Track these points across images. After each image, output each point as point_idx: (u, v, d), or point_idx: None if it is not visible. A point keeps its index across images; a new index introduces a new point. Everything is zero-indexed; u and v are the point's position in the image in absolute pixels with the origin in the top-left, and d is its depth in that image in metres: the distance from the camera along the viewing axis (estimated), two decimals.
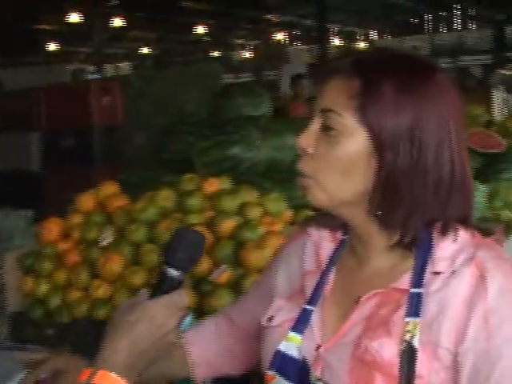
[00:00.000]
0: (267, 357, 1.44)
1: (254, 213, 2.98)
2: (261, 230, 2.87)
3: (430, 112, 1.24)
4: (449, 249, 1.27)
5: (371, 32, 36.48)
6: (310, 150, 1.30)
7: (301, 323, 1.40)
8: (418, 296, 1.25)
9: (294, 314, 1.43)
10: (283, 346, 1.40)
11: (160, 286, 1.33)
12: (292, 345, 1.39)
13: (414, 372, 1.20)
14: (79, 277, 2.94)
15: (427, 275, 1.27)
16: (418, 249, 1.29)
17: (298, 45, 36.70)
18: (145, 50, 32.63)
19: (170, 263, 1.33)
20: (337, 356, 1.31)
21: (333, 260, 1.44)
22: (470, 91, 8.78)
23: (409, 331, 1.22)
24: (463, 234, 1.29)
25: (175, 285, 1.33)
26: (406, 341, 1.22)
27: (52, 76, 14.20)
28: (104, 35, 24.16)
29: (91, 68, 24.27)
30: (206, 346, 1.68)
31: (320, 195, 1.31)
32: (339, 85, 1.28)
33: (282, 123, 3.99)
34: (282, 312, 1.46)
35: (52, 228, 3.15)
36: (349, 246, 1.44)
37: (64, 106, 6.11)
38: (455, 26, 35.82)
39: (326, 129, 1.28)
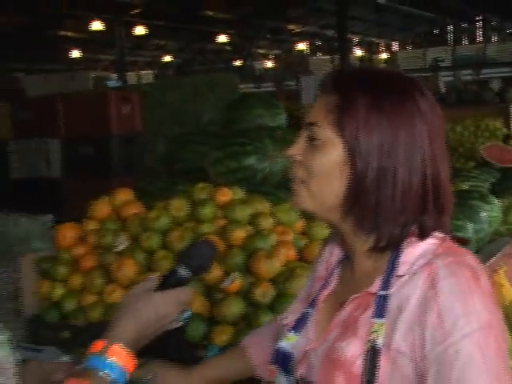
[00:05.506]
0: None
1: (266, 222, 3.02)
2: (272, 240, 2.91)
3: (401, 129, 1.32)
4: (413, 254, 1.34)
5: (393, 43, 36.46)
6: (299, 157, 1.41)
7: (299, 324, 1.50)
8: (384, 298, 1.31)
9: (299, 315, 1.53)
10: (283, 344, 1.50)
11: (169, 279, 1.52)
12: (289, 343, 1.48)
13: (374, 375, 1.25)
14: (94, 281, 3.00)
15: (393, 278, 1.33)
16: (392, 253, 1.36)
17: (320, 55, 36.77)
18: (167, 59, 32.84)
19: (183, 264, 1.53)
20: (316, 356, 1.40)
21: (338, 266, 1.52)
22: (488, 104, 8.80)
23: (375, 331, 1.29)
24: (430, 241, 1.35)
25: (182, 282, 1.52)
26: (370, 341, 1.28)
27: (74, 83, 14.30)
28: (126, 43, 24.33)
29: (114, 75, 24.42)
30: (264, 348, 1.77)
31: (306, 199, 1.40)
32: (322, 100, 1.40)
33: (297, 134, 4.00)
34: (293, 314, 1.56)
35: (67, 233, 3.20)
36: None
37: (83, 113, 6.16)
38: (477, 37, 35.71)
39: (311, 139, 1.39)
